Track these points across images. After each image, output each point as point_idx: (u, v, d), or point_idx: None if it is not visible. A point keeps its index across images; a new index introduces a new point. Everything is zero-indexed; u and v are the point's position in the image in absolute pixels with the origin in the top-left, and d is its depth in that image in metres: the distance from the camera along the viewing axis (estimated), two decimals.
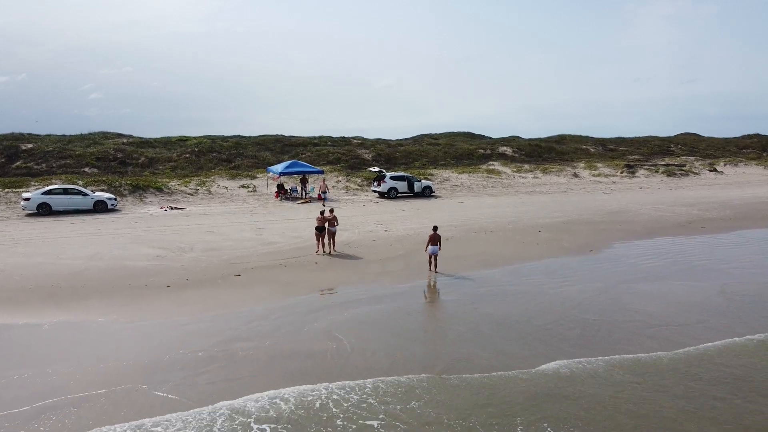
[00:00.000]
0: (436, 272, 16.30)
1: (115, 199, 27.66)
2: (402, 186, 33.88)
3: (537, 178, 44.80)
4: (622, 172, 47.94)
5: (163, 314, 12.46)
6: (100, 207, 26.69)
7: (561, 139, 65.71)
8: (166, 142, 46.97)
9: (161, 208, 28.12)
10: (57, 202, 25.96)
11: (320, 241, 18.48)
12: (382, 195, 33.96)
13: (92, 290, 14.12)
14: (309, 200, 31.25)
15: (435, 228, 16.44)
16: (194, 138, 48.07)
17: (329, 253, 18.35)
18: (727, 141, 71.81)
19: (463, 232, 22.37)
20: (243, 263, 16.90)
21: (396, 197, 33.72)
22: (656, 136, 71.39)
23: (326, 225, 18.33)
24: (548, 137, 66.88)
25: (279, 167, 32.44)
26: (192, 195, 32.06)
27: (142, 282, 14.90)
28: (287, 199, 32.08)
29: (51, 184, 30.43)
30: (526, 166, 47.73)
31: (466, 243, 20.27)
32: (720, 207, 30.40)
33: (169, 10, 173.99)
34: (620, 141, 67.42)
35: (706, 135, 74.16)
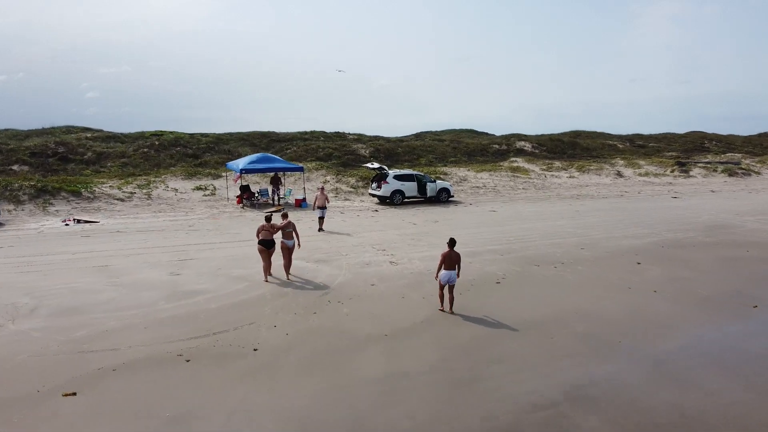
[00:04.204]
0: (452, 312, 10.11)
1: None
2: (410, 188, 25.26)
3: (573, 177, 36.30)
4: (673, 171, 39.47)
5: None
6: None
7: (576, 135, 57.88)
8: (138, 137, 38.83)
9: (64, 221, 19.50)
10: None
11: (268, 264, 12.08)
12: (383, 200, 25.40)
13: None
14: (281, 208, 22.61)
15: (452, 243, 10.16)
16: (170, 133, 39.94)
17: (287, 277, 12.25)
18: (746, 139, 64.07)
19: (514, 264, 13.83)
20: (108, 349, 8.34)
21: (401, 203, 25.18)
22: (674, 133, 63.82)
23: (281, 236, 12.23)
24: (562, 133, 59.13)
25: (241, 162, 23.73)
26: (123, 201, 23.42)
27: None
28: (253, 205, 23.48)
29: None
30: (557, 163, 39.25)
31: (530, 289, 11.74)
32: None
33: (169, 9, 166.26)
34: (638, 137, 59.96)
35: (711, 134, 66.22)
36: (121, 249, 14.90)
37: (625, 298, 11.27)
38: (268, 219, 12.21)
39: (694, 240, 17.37)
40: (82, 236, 16.82)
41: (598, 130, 62.13)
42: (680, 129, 67.19)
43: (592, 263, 14.02)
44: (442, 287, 10.20)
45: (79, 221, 19.30)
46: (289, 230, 12.27)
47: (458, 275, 10.13)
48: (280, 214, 13.27)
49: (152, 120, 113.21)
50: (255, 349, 8.37)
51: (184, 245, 15.45)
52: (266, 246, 11.91)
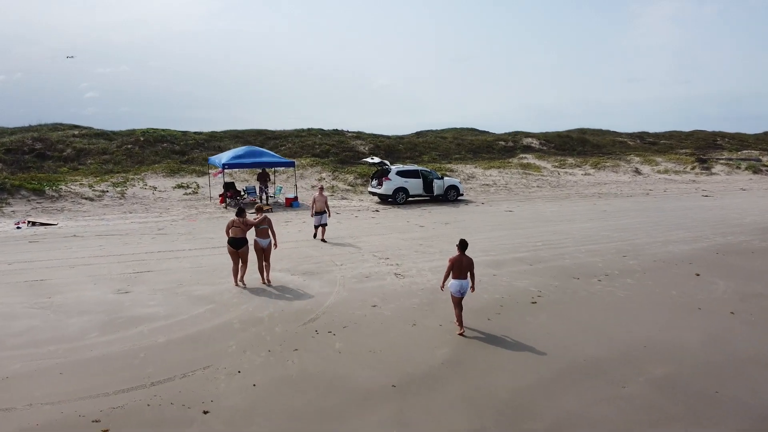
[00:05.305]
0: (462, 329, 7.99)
1: None
2: (415, 185, 22.72)
3: (589, 174, 33.78)
4: (694, 168, 36.94)
5: None
6: None
7: (583, 132, 55.44)
8: (128, 135, 36.38)
9: (16, 224, 16.96)
10: None
11: (240, 266, 10.19)
12: (384, 199, 22.87)
13: None
14: (269, 209, 20.09)
15: (463, 245, 7.96)
16: (162, 130, 37.52)
17: (266, 282, 10.37)
18: (756, 137, 61.57)
19: (549, 276, 11.28)
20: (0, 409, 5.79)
21: (405, 202, 22.65)
22: (680, 131, 61.36)
23: (255, 234, 10.32)
24: (568, 130, 56.64)
25: (224, 156, 21.22)
26: (91, 200, 20.88)
27: None
28: (238, 205, 20.90)
29: None
30: (570, 160, 36.73)
31: (576, 311, 9.17)
32: None
33: (169, 9, 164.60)
34: (647, 135, 57.61)
35: (717, 132, 63.67)
36: (69, 258, 12.33)
37: (699, 323, 8.73)
38: (240, 212, 10.25)
39: (751, 245, 14.82)
40: (30, 242, 14.27)
41: (603, 128, 59.84)
42: (681, 128, 64.96)
43: (642, 275, 11.46)
44: (457, 302, 7.97)
45: (33, 223, 16.77)
46: (263, 227, 10.31)
47: (473, 287, 8.05)
48: (255, 206, 11.21)
49: (152, 120, 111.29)
50: (205, 412, 5.80)
51: (146, 253, 12.88)
52: (236, 246, 9.95)
